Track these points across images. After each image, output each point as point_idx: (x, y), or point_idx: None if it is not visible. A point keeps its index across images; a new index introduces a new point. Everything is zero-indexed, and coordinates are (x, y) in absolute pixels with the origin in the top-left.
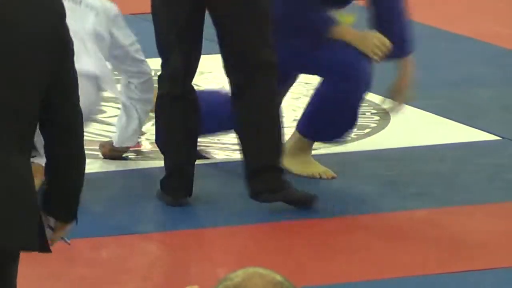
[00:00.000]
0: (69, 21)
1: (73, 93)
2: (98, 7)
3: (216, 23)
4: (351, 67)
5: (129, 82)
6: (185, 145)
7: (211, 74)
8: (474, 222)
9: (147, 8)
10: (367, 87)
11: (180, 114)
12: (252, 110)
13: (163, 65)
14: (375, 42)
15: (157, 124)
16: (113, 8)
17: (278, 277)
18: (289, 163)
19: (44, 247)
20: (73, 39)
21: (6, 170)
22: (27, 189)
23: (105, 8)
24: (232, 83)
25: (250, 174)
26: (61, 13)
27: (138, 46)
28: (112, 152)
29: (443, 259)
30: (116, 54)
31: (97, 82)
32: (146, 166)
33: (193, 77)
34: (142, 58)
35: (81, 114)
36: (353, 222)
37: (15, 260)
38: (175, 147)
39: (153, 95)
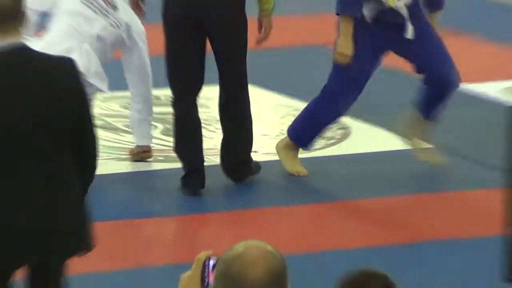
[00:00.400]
0: None
1: (91, 124)
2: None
3: (214, 53)
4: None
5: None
6: (196, 152)
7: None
8: (411, 209)
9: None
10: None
11: (189, 129)
12: (235, 119)
13: (172, 94)
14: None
15: (174, 138)
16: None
17: (269, 248)
18: (283, 158)
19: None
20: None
21: (71, 193)
22: (84, 203)
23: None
24: (221, 97)
25: (231, 166)
26: (78, 73)
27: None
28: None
29: (382, 232)
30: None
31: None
32: (165, 167)
33: (195, 100)
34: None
35: (97, 137)
36: (320, 207)
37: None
38: (189, 153)
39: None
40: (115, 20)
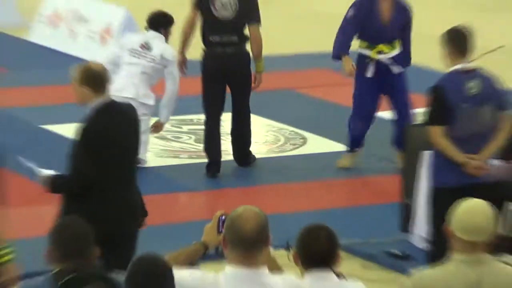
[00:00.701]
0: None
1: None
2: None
3: (231, 94)
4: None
5: None
6: (216, 151)
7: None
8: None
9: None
10: None
11: (213, 138)
12: (242, 131)
13: (205, 117)
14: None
15: (204, 143)
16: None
17: (257, 210)
18: None
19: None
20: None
21: (137, 193)
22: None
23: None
24: (233, 119)
25: (239, 157)
26: (138, 118)
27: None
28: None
29: (323, 201)
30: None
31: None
32: (197, 162)
33: (219, 121)
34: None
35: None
36: (287, 185)
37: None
38: (212, 152)
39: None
40: (151, 57)
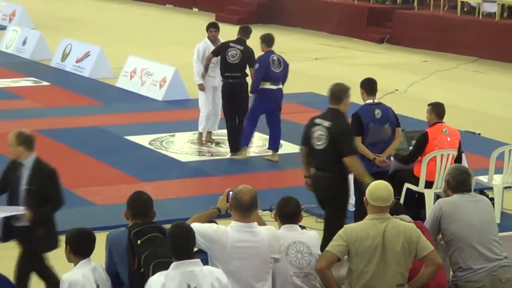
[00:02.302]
0: None
1: None
2: None
3: (237, 109)
4: None
5: None
6: (236, 138)
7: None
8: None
9: None
10: None
11: (232, 130)
12: (241, 128)
13: (225, 118)
14: None
15: (227, 134)
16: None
17: (250, 187)
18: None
19: None
20: None
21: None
22: None
23: None
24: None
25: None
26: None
27: None
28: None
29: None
30: None
31: None
32: (214, 159)
33: (235, 121)
34: None
35: None
36: (271, 173)
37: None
38: (232, 139)
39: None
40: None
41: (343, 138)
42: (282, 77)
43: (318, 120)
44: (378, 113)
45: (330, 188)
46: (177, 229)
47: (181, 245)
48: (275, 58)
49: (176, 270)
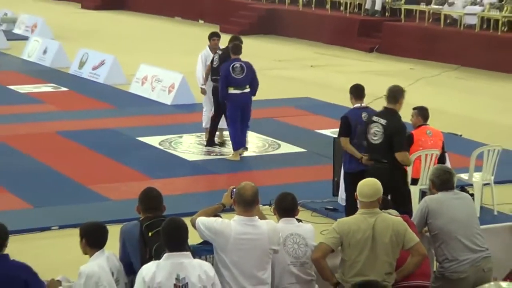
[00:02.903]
0: None
1: None
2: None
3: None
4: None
5: None
6: (241, 139)
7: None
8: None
9: None
10: None
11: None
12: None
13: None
14: None
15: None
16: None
17: (253, 184)
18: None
19: None
20: None
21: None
22: None
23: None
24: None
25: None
26: None
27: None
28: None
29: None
30: None
31: None
32: (219, 158)
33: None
34: None
35: None
36: (264, 172)
37: None
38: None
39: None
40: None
41: (396, 136)
42: (246, 82)
43: (375, 118)
44: (365, 116)
45: (389, 179)
46: (170, 223)
47: (173, 238)
48: (237, 65)
49: (167, 260)
